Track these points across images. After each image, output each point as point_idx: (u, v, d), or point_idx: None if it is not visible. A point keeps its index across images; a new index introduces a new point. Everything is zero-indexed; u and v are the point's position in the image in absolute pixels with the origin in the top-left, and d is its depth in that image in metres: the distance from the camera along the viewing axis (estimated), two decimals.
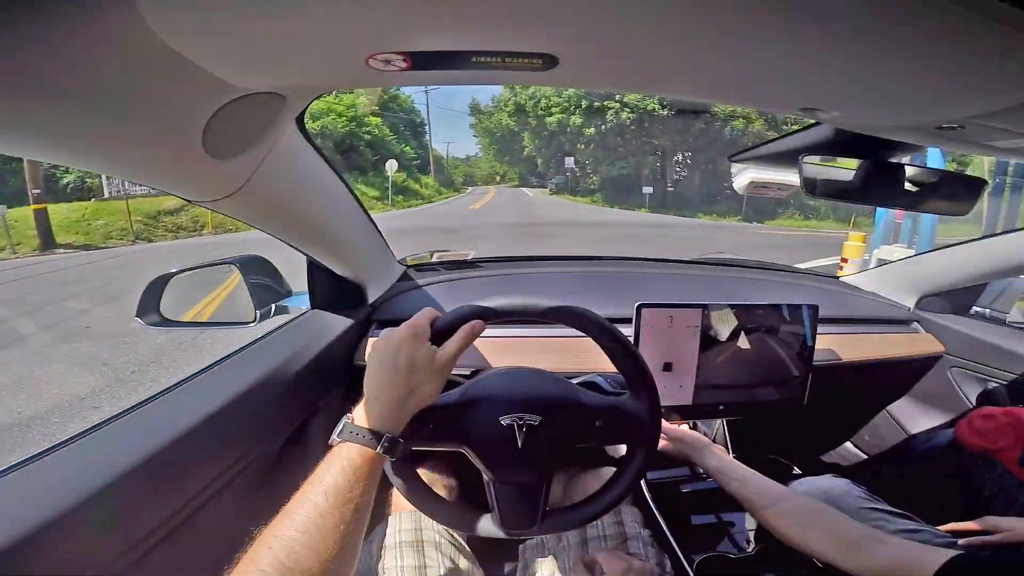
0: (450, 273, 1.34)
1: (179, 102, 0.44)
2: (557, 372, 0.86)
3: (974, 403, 1.37)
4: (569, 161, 37.15)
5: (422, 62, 0.38)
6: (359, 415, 0.57)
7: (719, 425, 1.26)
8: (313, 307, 1.10)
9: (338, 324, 1.07)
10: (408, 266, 1.35)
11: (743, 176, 0.85)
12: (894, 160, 0.66)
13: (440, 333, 0.63)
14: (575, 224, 16.63)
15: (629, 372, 0.71)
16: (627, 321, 1.03)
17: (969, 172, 0.76)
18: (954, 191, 0.64)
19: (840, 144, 0.68)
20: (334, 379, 1.04)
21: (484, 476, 0.71)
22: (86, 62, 0.35)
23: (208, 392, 0.75)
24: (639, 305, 1.01)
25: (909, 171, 0.63)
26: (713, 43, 0.34)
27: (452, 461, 1.13)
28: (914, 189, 0.63)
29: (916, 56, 0.35)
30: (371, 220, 1.07)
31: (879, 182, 0.62)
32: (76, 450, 0.59)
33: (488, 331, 1.10)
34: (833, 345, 1.26)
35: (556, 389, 0.72)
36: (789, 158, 0.71)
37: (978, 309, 1.48)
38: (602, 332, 0.69)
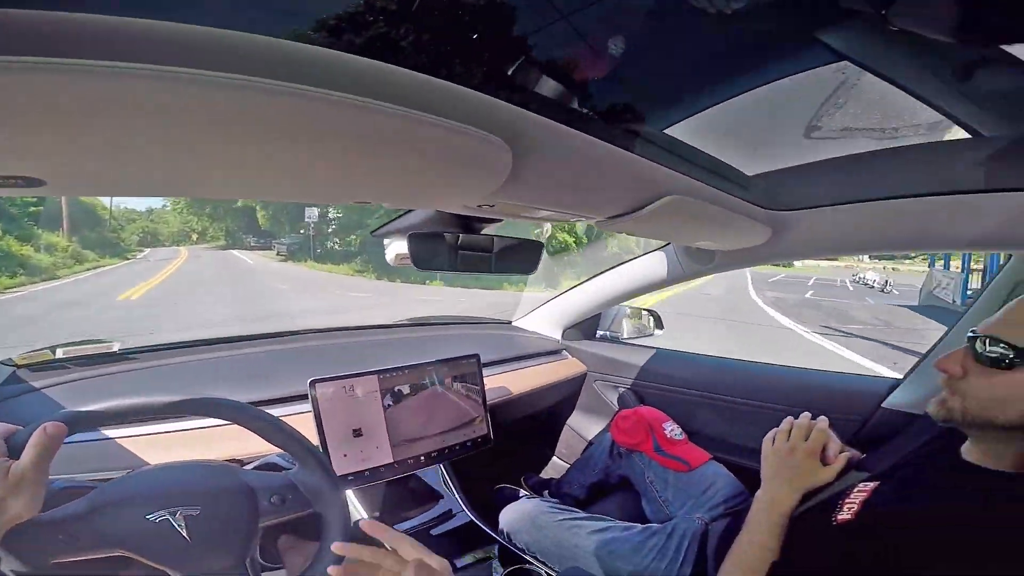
0: (86, 370, 1.09)
1: None
2: (242, 458, 0.85)
3: (617, 406, 1.80)
4: (311, 213, 25.86)
5: None
6: None
7: (441, 471, 1.33)
8: None
9: None
10: (18, 366, 1.05)
11: (391, 249, 0.97)
12: (483, 232, 0.85)
13: (19, 447, 0.58)
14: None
15: (284, 445, 0.75)
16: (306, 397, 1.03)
17: None
18: (522, 254, 0.87)
19: (443, 220, 0.84)
20: None
21: (169, 573, 0.67)
22: None
23: None
24: (312, 381, 1.02)
25: (489, 240, 0.82)
26: (216, 151, 0.38)
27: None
28: (492, 255, 0.83)
29: (412, 162, 0.47)
30: None
31: (468, 251, 0.80)
32: None
33: (149, 428, 0.96)
34: (507, 382, 1.50)
35: (208, 477, 0.72)
36: (409, 231, 0.84)
37: (601, 332, 1.98)
38: (236, 414, 0.72)
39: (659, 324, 2.02)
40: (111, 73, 0.26)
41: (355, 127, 0.37)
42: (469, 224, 0.86)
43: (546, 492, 1.63)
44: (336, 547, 0.68)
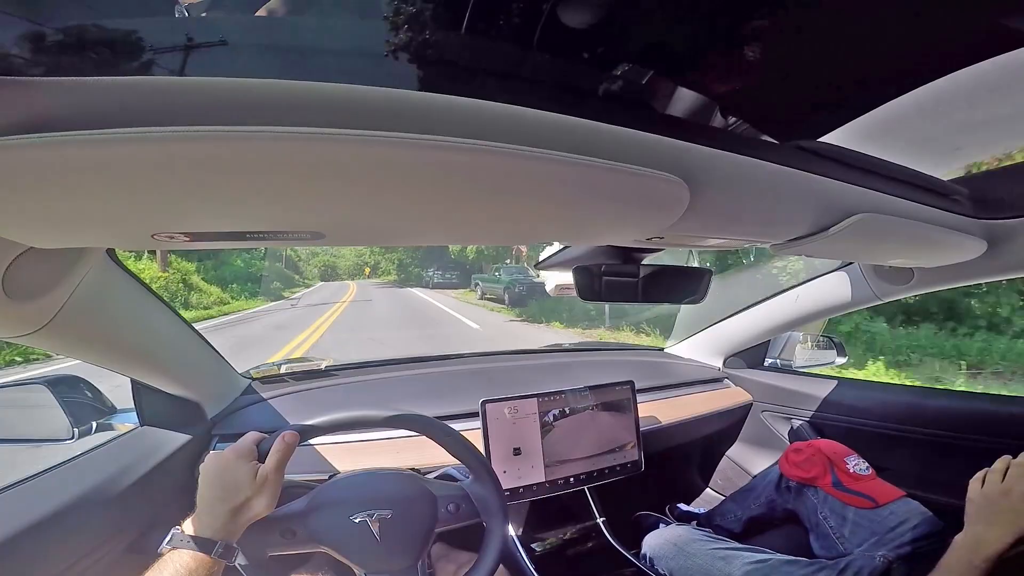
0: (300, 384, 1.32)
1: None
2: (420, 467, 0.93)
3: (788, 439, 1.63)
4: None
5: (202, 237, 0.44)
6: (190, 526, 0.62)
7: (586, 493, 1.34)
8: (142, 424, 1.04)
9: (172, 440, 1.03)
10: (254, 379, 1.31)
11: (551, 280, 1.01)
12: (645, 263, 0.84)
13: (266, 452, 0.69)
14: None
15: (465, 459, 0.81)
16: (477, 415, 1.12)
17: None
18: (687, 283, 0.83)
19: (606, 252, 0.85)
20: (174, 493, 1.00)
21: (355, 571, 0.77)
22: None
23: (26, 504, 0.74)
24: (483, 401, 1.11)
25: (653, 271, 0.81)
26: (440, 203, 0.44)
27: (331, 562, 1.09)
28: (657, 285, 0.81)
29: (589, 204, 0.48)
30: (201, 337, 1.07)
31: (631, 281, 0.79)
32: None
33: (345, 437, 1.12)
34: (661, 409, 1.44)
35: (402, 484, 0.80)
36: (573, 264, 0.87)
37: (770, 360, 1.80)
38: (431, 430, 0.79)
39: (841, 351, 1.78)
40: (386, 142, 0.32)
41: (541, 176, 0.40)
42: (631, 255, 0.86)
43: (694, 523, 1.54)
44: None
